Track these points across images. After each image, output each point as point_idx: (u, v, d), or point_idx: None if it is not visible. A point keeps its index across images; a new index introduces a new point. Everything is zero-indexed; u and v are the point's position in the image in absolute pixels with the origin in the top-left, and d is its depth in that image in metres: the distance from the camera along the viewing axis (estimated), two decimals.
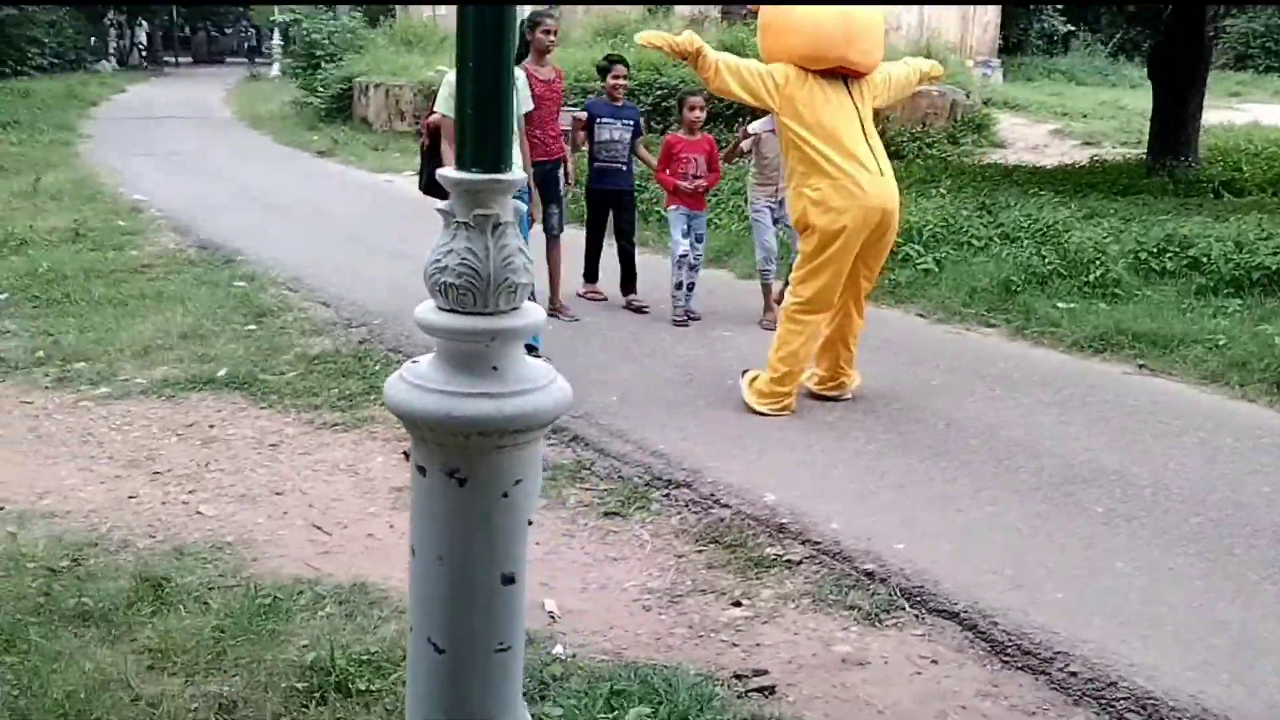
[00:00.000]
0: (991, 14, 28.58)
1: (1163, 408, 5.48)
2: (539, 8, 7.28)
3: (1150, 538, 4.03)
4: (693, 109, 7.11)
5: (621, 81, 7.30)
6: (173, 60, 45.98)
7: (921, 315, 7.23)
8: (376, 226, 10.24)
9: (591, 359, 6.19)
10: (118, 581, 3.56)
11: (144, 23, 44.38)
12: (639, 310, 7.37)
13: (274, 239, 9.42)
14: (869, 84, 5.22)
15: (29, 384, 5.64)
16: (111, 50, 39.02)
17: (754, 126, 6.99)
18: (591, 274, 7.71)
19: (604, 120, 7.31)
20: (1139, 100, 20.11)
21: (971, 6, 27.56)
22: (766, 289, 7.12)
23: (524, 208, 5.68)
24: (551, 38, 6.79)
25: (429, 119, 6.26)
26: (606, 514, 4.36)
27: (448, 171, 1.82)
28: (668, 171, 7.15)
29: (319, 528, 4.21)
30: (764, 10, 5.45)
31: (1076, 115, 21.85)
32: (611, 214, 7.56)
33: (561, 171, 7.08)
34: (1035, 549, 3.95)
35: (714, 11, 22.69)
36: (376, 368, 5.98)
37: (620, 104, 7.39)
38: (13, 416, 5.19)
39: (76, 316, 6.82)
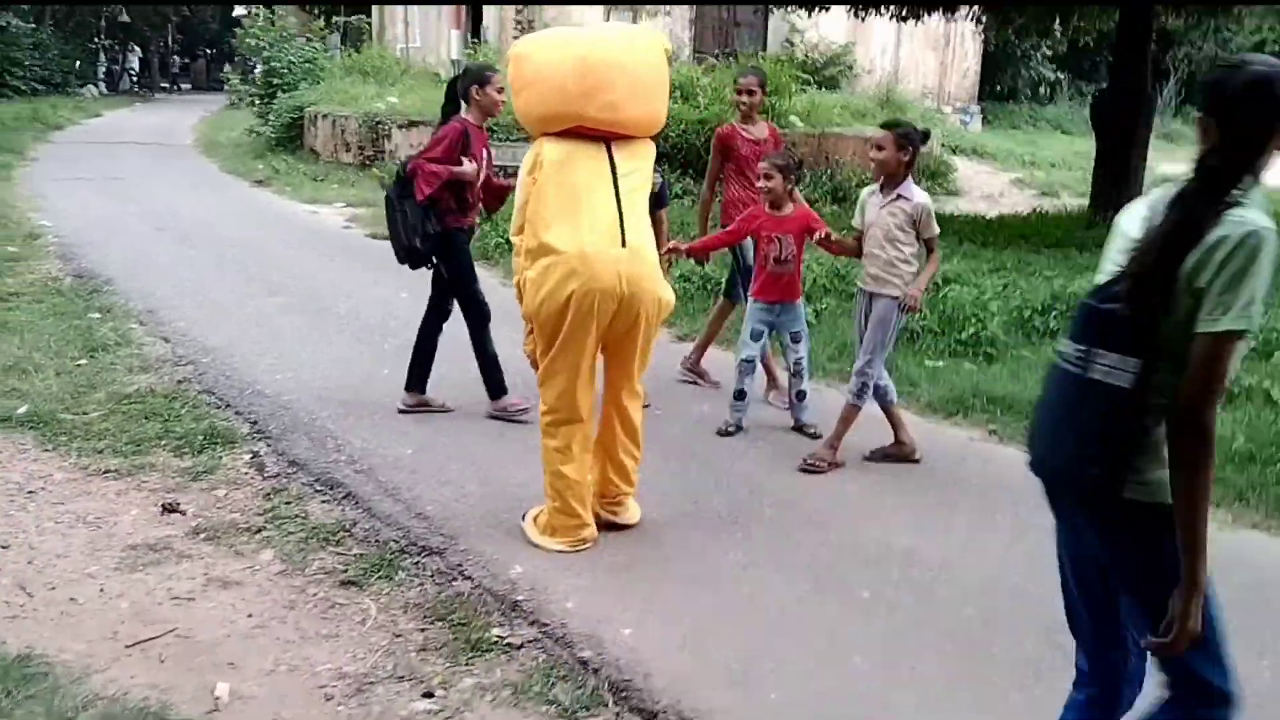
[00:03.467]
0: (971, 60, 28.50)
1: (985, 480, 5.14)
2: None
3: (906, 630, 3.68)
4: (759, 176, 5.66)
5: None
6: (168, 87, 46.13)
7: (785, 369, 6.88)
8: (270, 259, 9.95)
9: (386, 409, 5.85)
10: None
11: (136, 49, 44.53)
12: None
13: (156, 269, 9.14)
14: (640, 148, 4.30)
15: None
16: (101, 75, 39.09)
17: None
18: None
19: None
20: None
21: (952, 54, 27.47)
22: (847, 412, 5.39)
23: None
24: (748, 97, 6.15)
25: (432, 166, 5.48)
26: (344, 583, 4.02)
27: None
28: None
29: (24, 588, 3.89)
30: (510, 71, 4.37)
31: (1044, 165, 21.65)
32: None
33: None
34: (774, 639, 3.60)
35: (685, 52, 22.52)
36: (181, 411, 5.68)
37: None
38: None
39: None
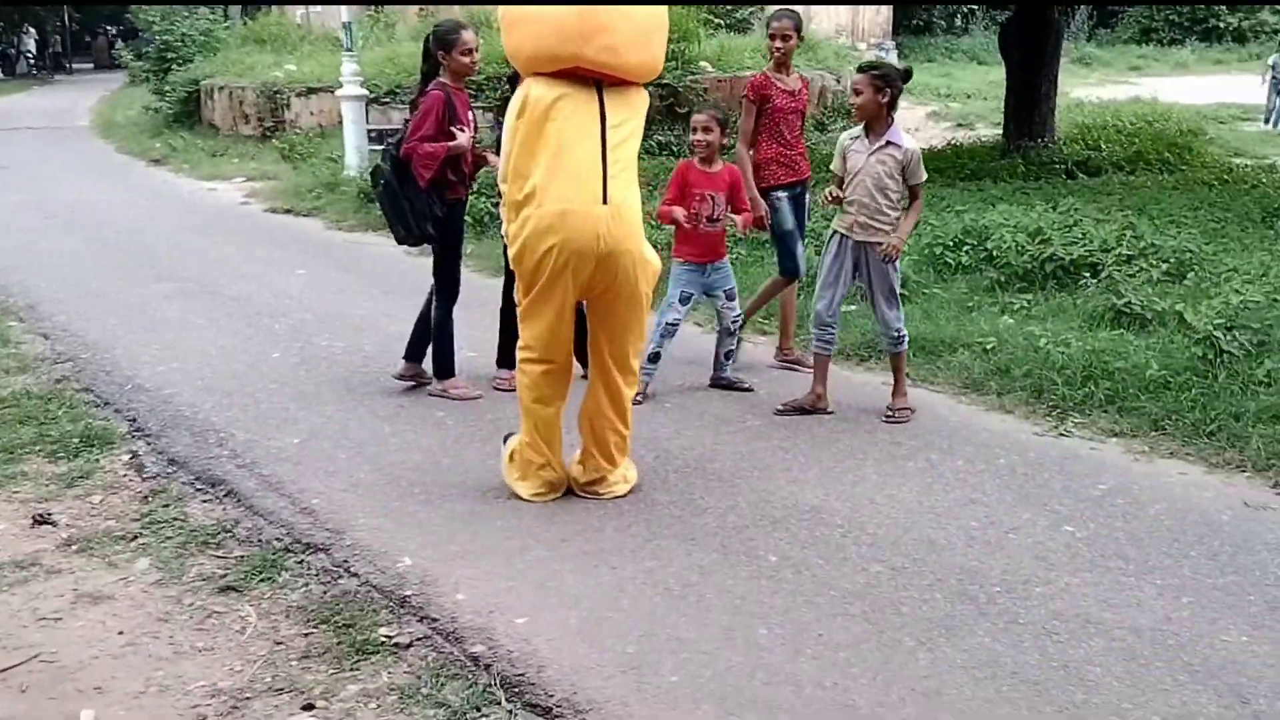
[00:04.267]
0: None
1: (904, 426, 5.00)
2: None
3: (812, 594, 3.53)
4: (695, 129, 5.38)
5: None
6: (68, 67, 44.55)
7: (698, 325, 6.69)
8: (160, 243, 9.54)
9: (273, 397, 5.58)
10: None
11: (31, 30, 42.93)
12: None
13: (39, 260, 8.71)
14: (633, 96, 4.05)
15: None
16: None
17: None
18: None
19: None
20: None
21: None
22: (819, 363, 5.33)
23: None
24: (782, 43, 5.63)
25: (427, 147, 5.13)
26: (223, 589, 3.77)
27: None
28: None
29: None
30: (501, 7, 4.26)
31: (960, 96, 21.60)
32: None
33: (808, 197, 5.90)
34: (675, 615, 3.42)
35: None
36: (58, 412, 5.35)
37: None
38: None
39: None
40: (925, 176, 5.09)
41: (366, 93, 12.36)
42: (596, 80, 3.95)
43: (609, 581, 3.63)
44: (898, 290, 5.19)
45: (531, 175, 3.95)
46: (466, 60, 5.26)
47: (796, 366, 5.87)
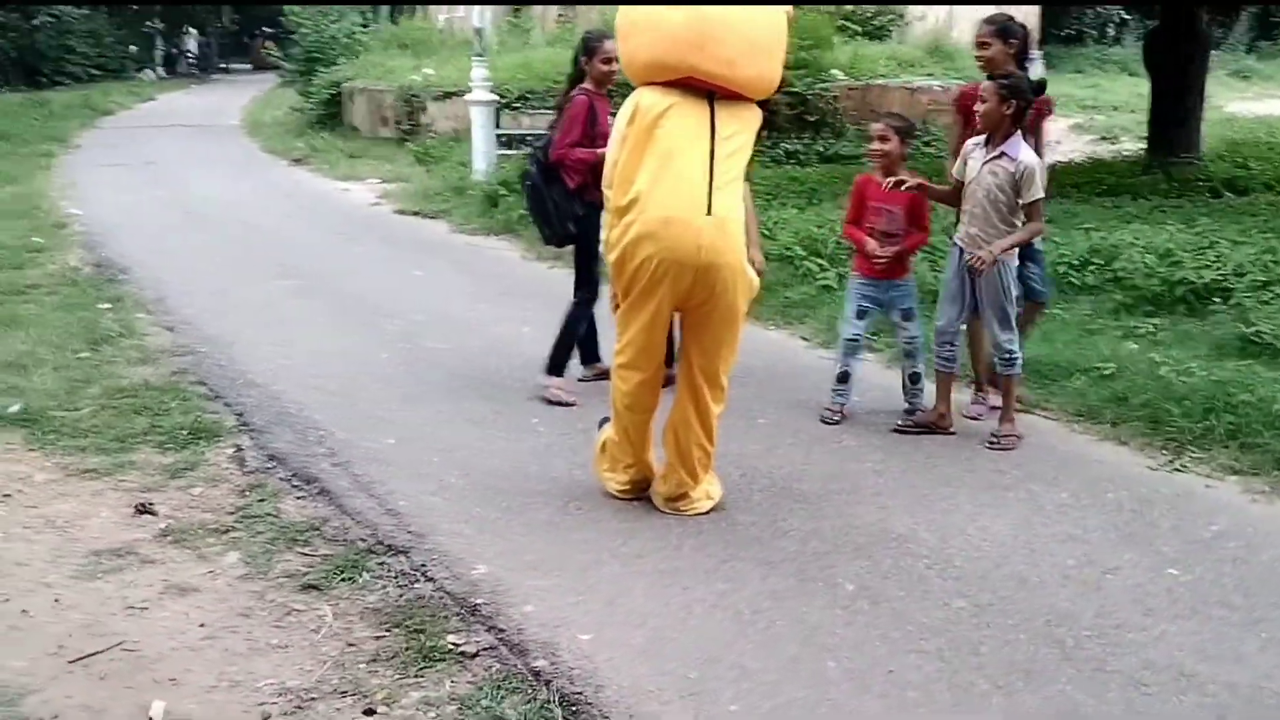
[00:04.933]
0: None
1: (1009, 454, 4.80)
2: None
3: (887, 628, 3.40)
4: (872, 138, 5.24)
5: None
6: (225, 68, 46.40)
7: (804, 339, 6.58)
8: (290, 240, 9.84)
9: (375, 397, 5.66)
10: None
11: (193, 31, 44.89)
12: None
13: (173, 255, 9.06)
14: (745, 111, 3.96)
15: None
16: (159, 59, 39.51)
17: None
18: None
19: None
20: None
21: None
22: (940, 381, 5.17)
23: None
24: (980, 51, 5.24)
25: (579, 153, 5.33)
26: (305, 587, 3.83)
27: None
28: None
29: None
30: (619, 17, 4.23)
31: (1106, 108, 20.86)
32: None
33: None
34: (742, 641, 3.34)
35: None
36: (172, 404, 5.52)
37: None
38: None
39: None
40: (1041, 194, 4.86)
41: (496, 98, 12.52)
42: (710, 92, 3.89)
43: (679, 602, 3.56)
44: (1010, 309, 4.97)
45: (636, 182, 3.89)
46: (606, 68, 5.31)
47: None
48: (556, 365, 5.58)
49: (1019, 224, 4.86)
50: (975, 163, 4.87)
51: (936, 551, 3.89)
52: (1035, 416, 5.30)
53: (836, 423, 5.19)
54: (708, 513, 4.22)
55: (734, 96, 3.92)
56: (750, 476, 4.58)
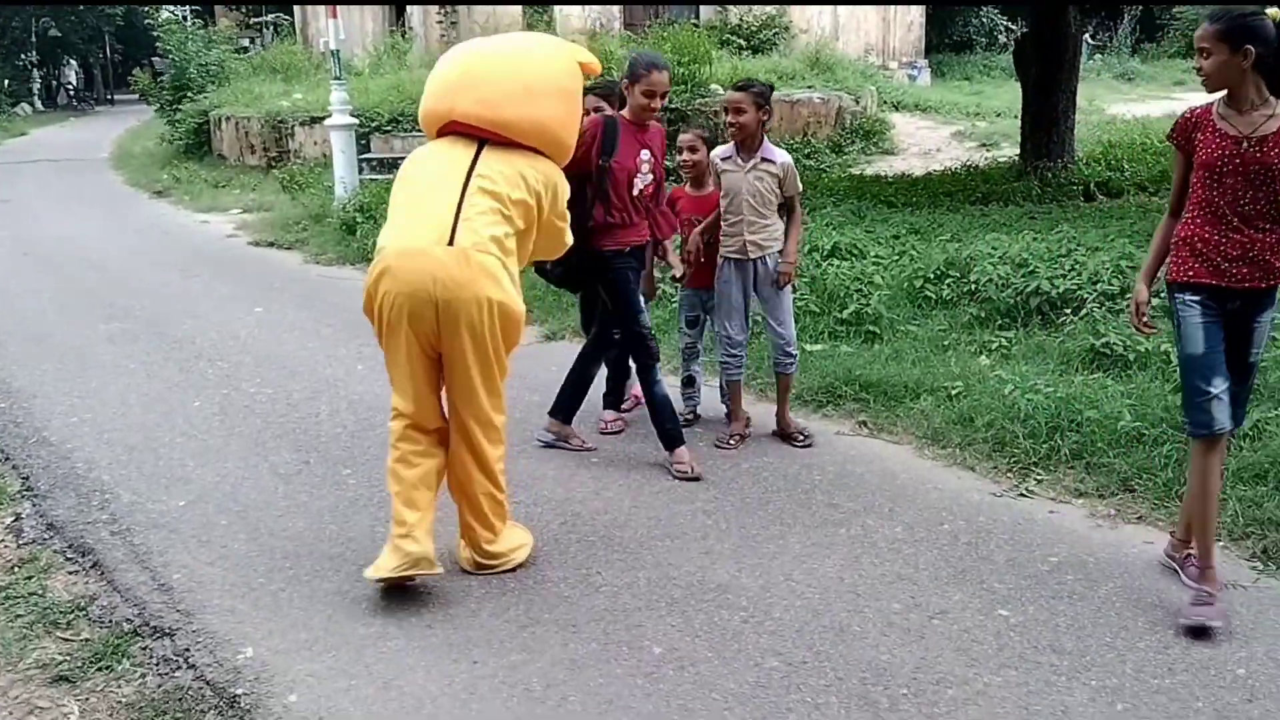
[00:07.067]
0: (915, 14, 27.72)
1: (839, 484, 4.54)
2: None
3: (689, 696, 3.07)
4: (681, 149, 5.18)
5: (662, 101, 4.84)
6: (110, 99, 45.02)
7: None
8: (128, 280, 9.24)
9: (176, 452, 5.21)
10: None
11: (72, 62, 43.48)
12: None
13: (4, 301, 8.45)
14: (518, 157, 3.71)
15: None
16: (37, 92, 38.18)
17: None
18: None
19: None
20: None
21: (893, 7, 26.70)
22: (733, 388, 5.15)
23: None
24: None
25: None
26: (56, 679, 3.39)
27: None
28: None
29: None
30: None
31: (990, 115, 20.96)
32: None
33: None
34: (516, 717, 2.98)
35: (617, 24, 21.83)
36: None
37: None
38: None
39: None
40: (801, 186, 5.02)
41: (355, 121, 12.08)
42: (482, 140, 3.71)
43: (463, 681, 3.19)
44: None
45: (389, 220, 3.71)
46: (645, 102, 4.63)
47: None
48: (561, 409, 5.10)
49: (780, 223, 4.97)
50: (734, 174, 4.89)
51: (756, 601, 3.58)
52: (881, 441, 5.05)
53: (692, 422, 5.28)
54: (515, 569, 3.86)
55: (507, 143, 3.72)
56: (570, 524, 4.23)
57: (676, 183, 5.57)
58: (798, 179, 4.96)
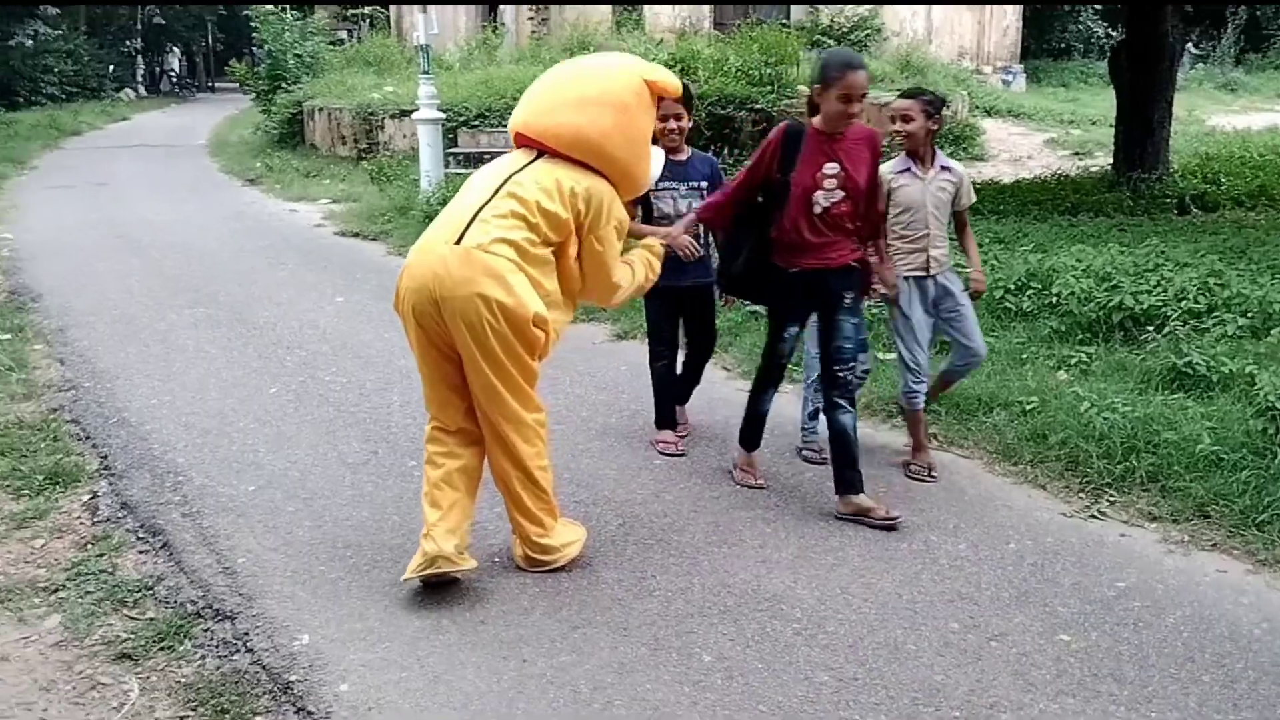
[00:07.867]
0: (1012, 18, 27.24)
1: (913, 497, 4.47)
2: None
3: (737, 707, 3.05)
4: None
5: (678, 124, 4.74)
6: (210, 86, 46.14)
7: (725, 369, 6.23)
8: (215, 266, 9.46)
9: (249, 437, 5.31)
10: None
11: (175, 49, 44.66)
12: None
13: (89, 282, 8.72)
14: (562, 168, 3.69)
15: None
16: (140, 78, 39.27)
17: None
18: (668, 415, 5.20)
19: (660, 186, 4.76)
20: None
21: (988, 8, 26.25)
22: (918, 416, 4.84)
23: None
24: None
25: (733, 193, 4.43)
26: (119, 657, 3.48)
27: None
28: None
29: None
30: None
31: (1084, 123, 20.54)
32: (682, 321, 5.16)
33: None
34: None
35: (706, 24, 21.80)
36: (40, 445, 5.19)
37: (682, 157, 4.89)
38: None
39: None
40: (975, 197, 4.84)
41: (441, 116, 12.21)
42: (540, 152, 3.78)
43: (511, 679, 3.21)
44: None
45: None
46: (843, 108, 4.08)
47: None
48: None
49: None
50: (915, 187, 4.59)
51: (810, 614, 3.54)
52: (951, 454, 4.96)
53: (823, 462, 4.75)
54: (565, 567, 3.86)
55: (565, 157, 3.74)
56: (629, 525, 4.23)
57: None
58: (972, 190, 4.78)
